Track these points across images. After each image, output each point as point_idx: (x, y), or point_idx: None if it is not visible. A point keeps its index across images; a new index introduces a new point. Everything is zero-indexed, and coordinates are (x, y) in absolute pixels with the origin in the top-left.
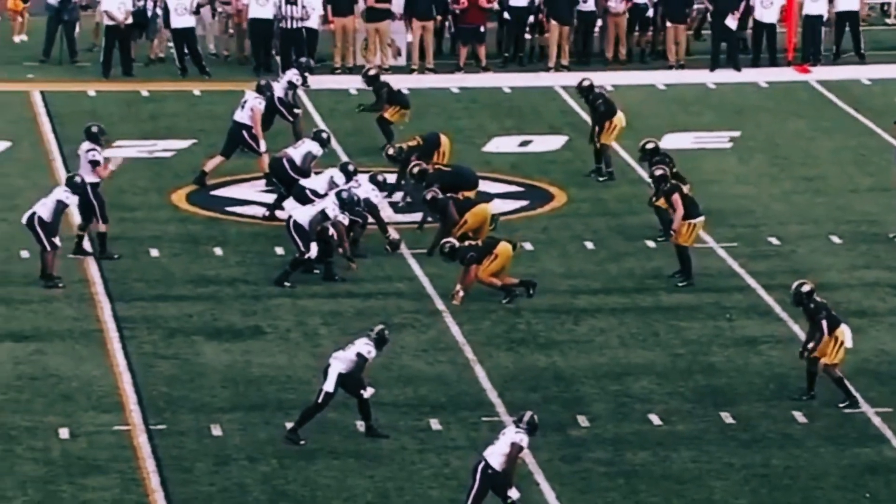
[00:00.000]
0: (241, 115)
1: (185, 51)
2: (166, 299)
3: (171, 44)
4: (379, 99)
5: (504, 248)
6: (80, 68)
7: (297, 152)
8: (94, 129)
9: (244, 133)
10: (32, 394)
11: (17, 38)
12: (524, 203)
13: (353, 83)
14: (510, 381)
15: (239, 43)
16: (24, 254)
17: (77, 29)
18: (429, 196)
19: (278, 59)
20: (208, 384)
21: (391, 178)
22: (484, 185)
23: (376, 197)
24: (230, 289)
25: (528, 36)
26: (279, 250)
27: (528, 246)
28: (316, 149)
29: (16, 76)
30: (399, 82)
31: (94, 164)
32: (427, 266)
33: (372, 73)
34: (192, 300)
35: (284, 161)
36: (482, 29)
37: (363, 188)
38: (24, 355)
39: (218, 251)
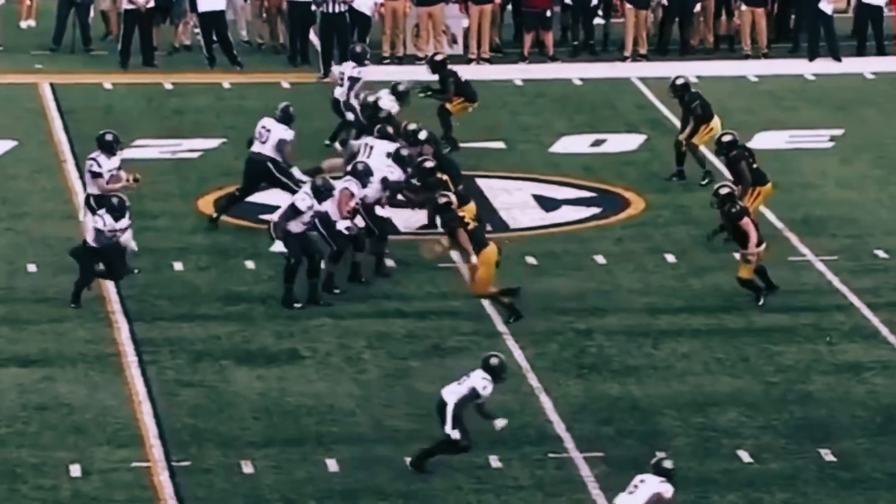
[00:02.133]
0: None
1: (214, 38)
2: (191, 319)
3: (197, 30)
4: (445, 87)
5: (490, 251)
6: (95, 58)
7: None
8: (109, 138)
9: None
10: (40, 426)
11: (24, 24)
12: (596, 210)
13: (403, 74)
14: (580, 412)
15: (272, 29)
16: (31, 268)
17: (91, 13)
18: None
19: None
20: (239, 415)
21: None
22: (551, 191)
23: (392, 174)
24: (263, 307)
25: (601, 21)
26: None
27: (600, 259)
28: (286, 133)
29: (23, 66)
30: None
31: (95, 175)
32: None
33: (439, 58)
34: (220, 320)
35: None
36: (548, 13)
37: (375, 161)
38: (30, 382)
39: (250, 265)
